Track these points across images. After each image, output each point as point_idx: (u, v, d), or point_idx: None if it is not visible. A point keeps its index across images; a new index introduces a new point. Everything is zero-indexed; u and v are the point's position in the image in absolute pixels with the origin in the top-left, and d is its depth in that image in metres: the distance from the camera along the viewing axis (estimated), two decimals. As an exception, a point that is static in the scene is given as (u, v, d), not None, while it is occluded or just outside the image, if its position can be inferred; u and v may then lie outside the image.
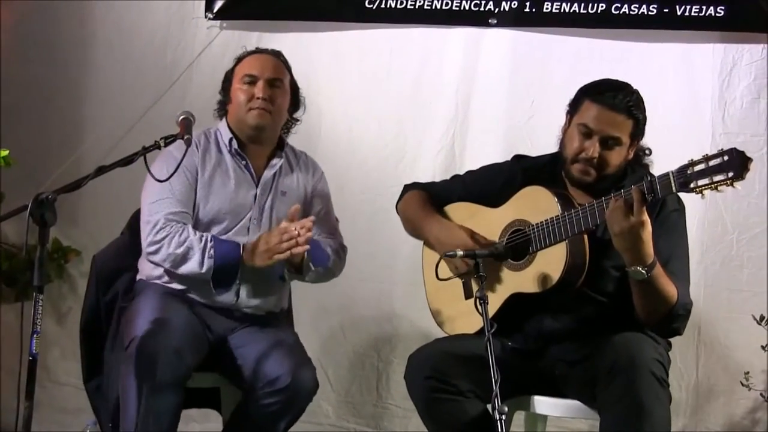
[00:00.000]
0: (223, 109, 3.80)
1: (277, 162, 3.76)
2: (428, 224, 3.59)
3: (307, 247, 3.49)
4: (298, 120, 3.88)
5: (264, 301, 3.69)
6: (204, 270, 3.53)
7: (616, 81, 3.38)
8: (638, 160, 3.44)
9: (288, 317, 3.92)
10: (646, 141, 3.51)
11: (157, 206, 3.60)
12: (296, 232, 3.46)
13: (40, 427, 4.54)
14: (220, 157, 3.70)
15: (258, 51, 3.82)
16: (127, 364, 3.36)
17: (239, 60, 3.79)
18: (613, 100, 3.28)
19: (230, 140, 3.70)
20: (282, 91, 3.73)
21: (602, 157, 3.29)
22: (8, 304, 4.65)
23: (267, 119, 3.67)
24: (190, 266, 3.54)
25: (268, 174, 3.73)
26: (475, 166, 3.79)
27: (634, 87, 3.38)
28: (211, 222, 3.65)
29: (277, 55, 3.81)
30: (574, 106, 3.39)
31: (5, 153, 3.95)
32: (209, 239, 3.56)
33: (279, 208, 3.70)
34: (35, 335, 2.92)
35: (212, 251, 3.53)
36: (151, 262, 3.62)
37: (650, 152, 3.47)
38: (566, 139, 3.39)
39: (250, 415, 3.49)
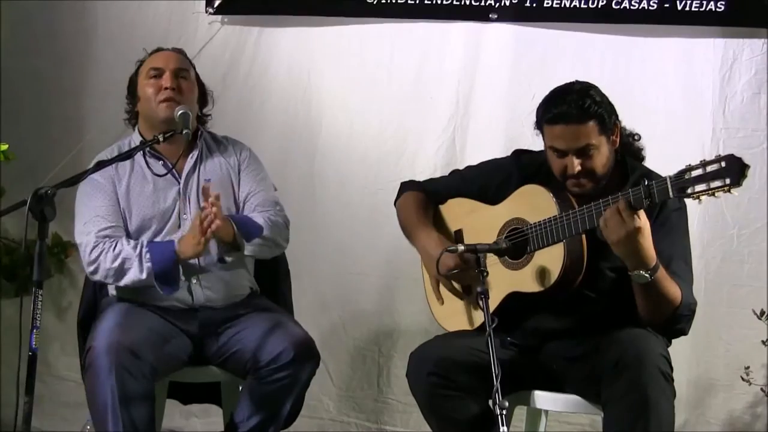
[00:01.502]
0: (132, 114, 3.81)
1: (195, 152, 3.75)
2: (418, 232, 3.59)
3: (219, 222, 3.43)
4: (208, 115, 3.88)
5: (219, 292, 3.67)
6: (145, 276, 3.55)
7: (563, 88, 3.34)
8: (629, 148, 3.43)
9: (276, 300, 3.89)
10: (646, 136, 3.51)
11: (86, 228, 3.65)
12: (208, 211, 3.43)
13: (41, 421, 4.57)
14: (133, 164, 3.69)
15: (160, 49, 3.84)
16: (88, 375, 3.41)
17: (142, 62, 3.82)
18: (566, 113, 3.24)
19: (141, 143, 3.63)
20: (189, 83, 3.74)
21: (586, 167, 3.26)
22: (8, 299, 4.65)
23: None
24: (132, 276, 3.57)
25: (188, 166, 3.73)
26: (475, 161, 3.79)
27: (583, 81, 3.35)
28: (139, 230, 3.66)
29: (180, 51, 3.84)
30: (540, 130, 3.37)
31: (5, 147, 3.96)
32: (143, 245, 3.58)
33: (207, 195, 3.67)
34: (35, 330, 2.92)
35: (148, 255, 3.55)
36: (96, 281, 3.68)
37: (639, 137, 3.46)
38: (549, 161, 3.37)
39: (257, 399, 3.51)
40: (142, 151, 3.67)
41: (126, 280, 3.58)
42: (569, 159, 3.27)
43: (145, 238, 3.64)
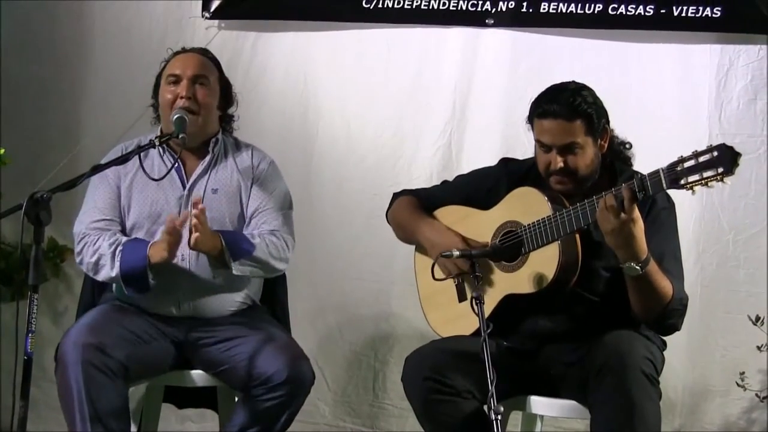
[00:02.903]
0: (157, 113, 3.78)
1: (206, 159, 3.71)
2: (420, 228, 3.60)
3: (199, 235, 3.39)
4: (233, 117, 3.85)
5: (206, 305, 3.63)
6: (115, 274, 3.54)
7: (558, 86, 3.38)
8: (618, 155, 3.45)
9: (272, 305, 3.87)
10: (642, 141, 3.52)
11: (81, 218, 3.67)
12: (187, 216, 3.41)
13: (36, 426, 4.57)
14: (143, 161, 3.67)
15: (183, 51, 3.80)
16: (57, 372, 3.43)
17: (166, 62, 3.77)
18: (556, 109, 3.28)
19: (138, 146, 3.62)
20: (207, 89, 3.69)
21: (569, 165, 3.30)
22: (4, 303, 4.65)
23: (191, 119, 3.60)
24: (105, 272, 3.57)
25: (197, 173, 3.70)
26: (472, 166, 3.82)
27: (580, 82, 3.39)
28: (133, 227, 3.65)
29: (204, 52, 3.80)
30: (530, 124, 3.41)
31: (1, 152, 3.95)
32: (120, 243, 3.56)
33: (211, 206, 3.61)
34: (30, 334, 2.93)
35: (120, 255, 3.53)
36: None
37: (630, 146, 3.49)
38: (536, 156, 3.41)
39: (251, 413, 3.49)
40: (157, 149, 3.67)
41: (101, 277, 3.59)
42: (552, 155, 3.31)
43: (139, 237, 3.62)
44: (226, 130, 3.83)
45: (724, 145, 2.88)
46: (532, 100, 3.40)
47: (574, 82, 3.40)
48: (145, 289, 3.54)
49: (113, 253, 3.54)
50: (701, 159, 2.90)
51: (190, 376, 3.66)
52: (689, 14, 4.42)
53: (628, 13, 4.48)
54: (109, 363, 3.38)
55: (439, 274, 3.40)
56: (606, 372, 3.12)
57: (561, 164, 3.29)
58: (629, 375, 3.09)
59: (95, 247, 3.58)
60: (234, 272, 3.55)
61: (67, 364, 3.37)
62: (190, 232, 3.42)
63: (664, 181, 2.98)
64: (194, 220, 3.39)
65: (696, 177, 2.90)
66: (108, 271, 3.56)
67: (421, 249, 3.68)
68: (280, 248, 3.66)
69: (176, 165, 3.65)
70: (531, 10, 4.58)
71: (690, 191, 2.94)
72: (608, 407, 3.10)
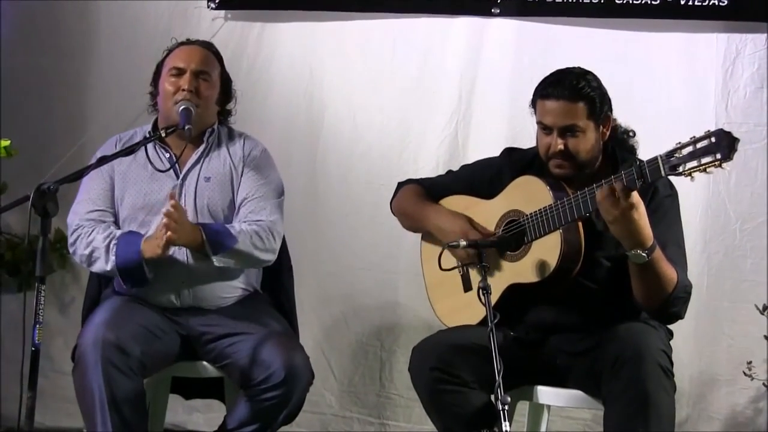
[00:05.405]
0: (154, 101, 3.78)
1: (200, 148, 3.72)
2: (427, 214, 3.60)
3: (171, 233, 3.39)
4: (230, 112, 3.85)
5: (206, 294, 3.64)
6: (110, 268, 3.55)
7: (564, 70, 3.39)
8: (623, 144, 3.44)
9: (278, 296, 3.87)
10: (648, 131, 3.51)
11: (75, 208, 3.68)
12: (167, 220, 3.40)
13: (43, 416, 4.57)
14: (137, 153, 3.64)
15: (188, 42, 3.79)
16: (76, 372, 3.42)
17: (169, 52, 3.76)
18: (559, 90, 3.29)
19: (145, 137, 3.64)
20: (209, 84, 3.69)
21: (568, 148, 3.29)
22: (11, 294, 4.65)
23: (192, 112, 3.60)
24: (99, 266, 3.58)
25: (190, 162, 3.69)
26: (478, 156, 3.81)
27: (586, 68, 3.39)
28: (127, 219, 3.65)
29: (208, 46, 3.79)
30: (533, 107, 3.41)
31: (6, 143, 3.95)
32: (115, 237, 3.56)
33: (203, 194, 3.65)
34: (38, 325, 2.93)
35: (115, 249, 3.53)
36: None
37: (634, 134, 3.49)
38: (537, 140, 3.41)
39: (250, 410, 3.49)
40: (153, 143, 3.66)
41: (95, 269, 3.61)
42: (552, 137, 3.31)
43: (132, 228, 3.62)
44: (222, 123, 3.83)
45: (721, 130, 2.87)
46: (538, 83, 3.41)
47: (579, 67, 3.40)
48: (143, 282, 3.55)
49: (107, 247, 3.55)
50: (699, 145, 2.89)
51: (201, 366, 3.66)
52: (695, 3, 4.41)
53: (634, 2, 4.47)
54: (128, 362, 3.38)
55: (445, 263, 3.40)
56: (621, 364, 3.11)
57: (561, 146, 3.29)
58: (645, 368, 3.09)
59: (89, 239, 3.59)
60: (216, 264, 3.54)
61: (87, 366, 3.36)
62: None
63: (662, 168, 2.97)
64: (165, 220, 3.39)
65: (694, 163, 2.89)
66: (102, 264, 3.56)
67: (427, 238, 3.68)
68: (265, 239, 3.63)
69: (169, 155, 3.67)
70: (537, 0, 4.57)
71: (689, 178, 2.93)
72: (623, 400, 3.10)
